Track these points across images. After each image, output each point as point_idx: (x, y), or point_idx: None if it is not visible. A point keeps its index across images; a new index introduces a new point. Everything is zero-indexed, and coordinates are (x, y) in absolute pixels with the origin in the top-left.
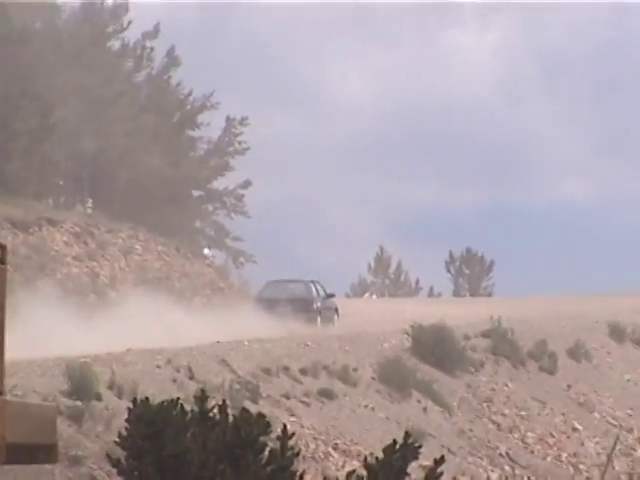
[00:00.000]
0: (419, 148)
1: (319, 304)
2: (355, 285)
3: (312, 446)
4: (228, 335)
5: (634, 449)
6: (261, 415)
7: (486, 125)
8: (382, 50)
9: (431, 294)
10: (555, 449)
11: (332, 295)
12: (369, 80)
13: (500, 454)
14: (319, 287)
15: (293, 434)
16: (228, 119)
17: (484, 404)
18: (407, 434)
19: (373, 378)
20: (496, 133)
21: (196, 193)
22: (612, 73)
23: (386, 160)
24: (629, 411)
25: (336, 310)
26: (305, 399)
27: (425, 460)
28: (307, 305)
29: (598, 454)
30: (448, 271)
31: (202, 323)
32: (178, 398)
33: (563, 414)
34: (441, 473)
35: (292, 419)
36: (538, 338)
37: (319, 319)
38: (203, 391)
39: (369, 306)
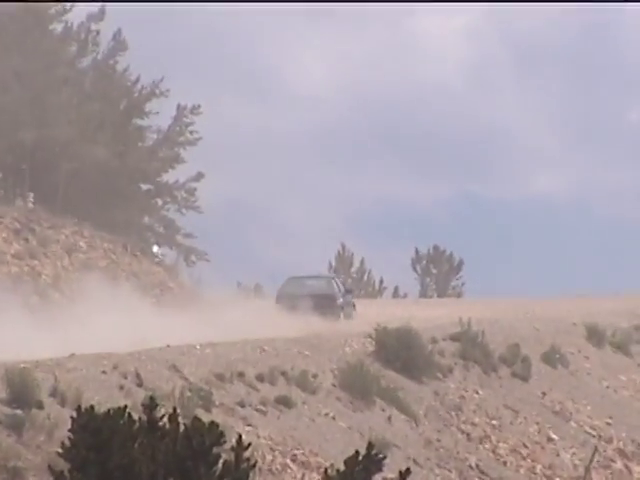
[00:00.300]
0: (384, 140)
1: (341, 300)
2: None
3: (269, 457)
4: (186, 338)
5: (613, 461)
6: (214, 424)
7: (456, 115)
8: (345, 36)
9: (396, 294)
10: (529, 461)
11: (351, 291)
12: (331, 68)
13: (470, 466)
14: (339, 282)
15: (249, 445)
16: (179, 107)
17: (453, 413)
18: (370, 445)
19: (334, 385)
20: (467, 124)
21: (144, 187)
22: (590, 62)
23: (349, 152)
24: (608, 420)
25: (354, 306)
26: (261, 407)
27: (390, 472)
28: (331, 301)
29: (575, 466)
30: (414, 270)
31: (153, 325)
32: (125, 406)
33: (537, 423)
34: None
35: (247, 429)
36: (511, 342)
37: (342, 315)
38: (152, 399)
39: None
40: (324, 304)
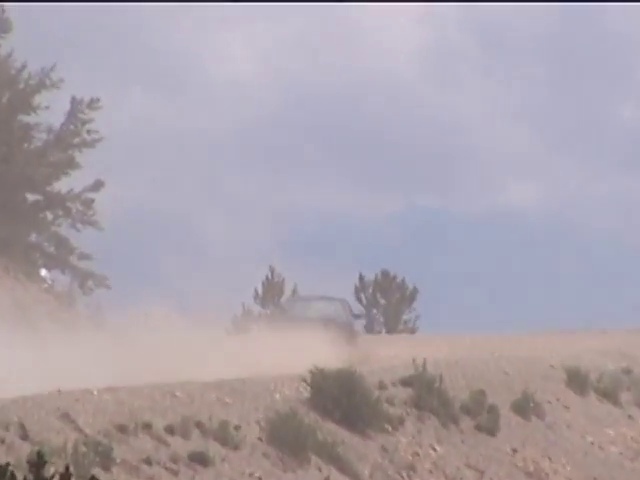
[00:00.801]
0: (323, 141)
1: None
2: (238, 318)
3: None
4: (81, 380)
5: None
6: None
7: (408, 113)
8: (275, 19)
9: None
10: None
11: (359, 316)
12: (261, 55)
13: None
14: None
15: None
16: (74, 101)
17: (404, 473)
18: None
19: (260, 439)
20: (420, 123)
21: (31, 197)
22: (573, 54)
23: (278, 157)
24: None
25: (358, 332)
26: (172, 465)
27: None
28: (346, 326)
29: None
30: (358, 300)
31: (40, 364)
32: (8, 464)
33: None
34: None
35: None
36: (475, 387)
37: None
38: (40, 454)
39: (256, 345)
40: (338, 329)
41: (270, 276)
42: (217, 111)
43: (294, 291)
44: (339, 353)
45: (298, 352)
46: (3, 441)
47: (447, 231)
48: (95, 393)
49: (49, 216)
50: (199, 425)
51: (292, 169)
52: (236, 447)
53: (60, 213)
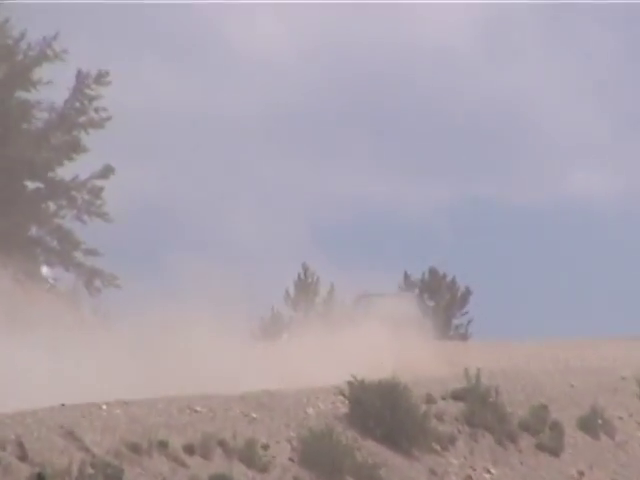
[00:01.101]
0: (363, 124)
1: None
2: (267, 322)
3: None
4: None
5: None
6: None
7: (460, 92)
8: None
9: None
10: None
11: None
12: (291, 30)
13: None
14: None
15: None
16: (79, 75)
17: None
18: None
19: (291, 460)
20: (474, 103)
21: (31, 185)
22: None
23: (314, 141)
24: None
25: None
26: None
27: None
28: (418, 324)
29: None
30: None
31: (41, 374)
32: None
33: None
34: None
35: None
36: (536, 402)
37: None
38: (41, 477)
39: (287, 351)
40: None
41: (303, 275)
42: (244, 91)
43: (330, 292)
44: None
45: (351, 358)
46: None
47: (503, 224)
48: (104, 407)
49: (51, 206)
50: (222, 444)
51: (328, 155)
52: (264, 469)
53: (64, 203)
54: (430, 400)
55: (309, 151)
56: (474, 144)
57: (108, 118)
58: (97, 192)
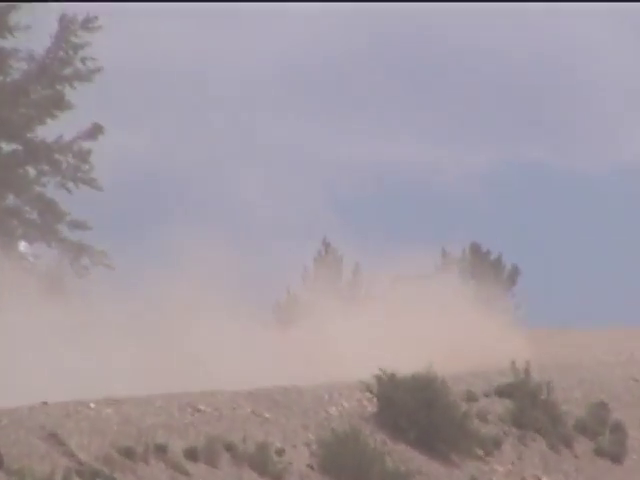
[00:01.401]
0: (389, 78)
1: None
2: (281, 306)
3: None
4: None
5: None
6: None
7: (504, 40)
8: None
9: None
10: None
11: None
12: None
13: None
14: None
15: None
16: (63, 19)
17: None
18: None
19: (310, 467)
20: (521, 53)
21: (7, 147)
22: None
23: (335, 99)
24: None
25: None
26: None
27: None
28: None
29: None
30: None
31: (19, 367)
32: None
33: None
34: None
35: None
36: (594, 399)
37: None
38: None
39: (303, 338)
40: None
41: (323, 252)
42: (256, 41)
43: (355, 272)
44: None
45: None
46: None
47: (558, 195)
48: (92, 406)
49: (31, 172)
50: (230, 448)
51: (353, 114)
52: (278, 477)
53: (46, 168)
54: (471, 397)
55: (330, 112)
56: (523, 102)
57: (97, 70)
58: (84, 155)
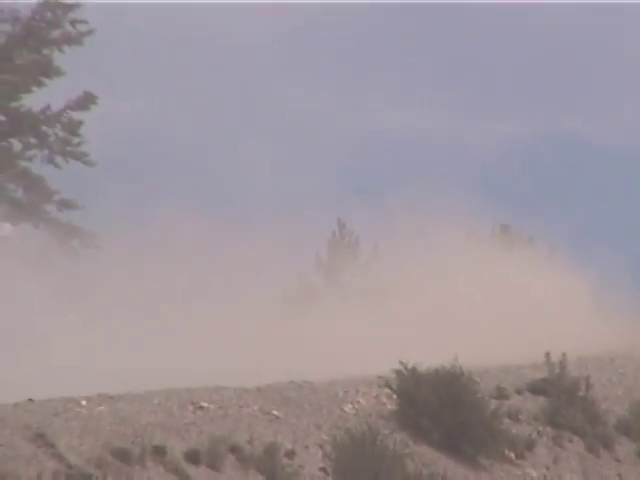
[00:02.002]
0: (412, 41)
1: None
2: (290, 292)
3: None
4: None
5: None
6: None
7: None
8: None
9: None
10: None
11: None
12: None
13: None
14: None
15: None
16: None
17: None
18: None
19: (324, 470)
20: (556, 16)
21: None
22: None
23: (352, 63)
24: None
25: None
26: None
27: None
28: None
29: None
30: None
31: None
32: None
33: None
34: None
35: None
36: (638, 394)
37: None
38: None
39: (319, 329)
40: None
41: (338, 232)
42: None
43: (373, 254)
44: None
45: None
46: None
47: (595, 169)
48: (83, 403)
49: (15, 145)
50: (235, 450)
51: (371, 81)
52: None
53: (32, 141)
54: (502, 394)
55: (345, 76)
56: (557, 70)
57: (89, 33)
58: (74, 127)
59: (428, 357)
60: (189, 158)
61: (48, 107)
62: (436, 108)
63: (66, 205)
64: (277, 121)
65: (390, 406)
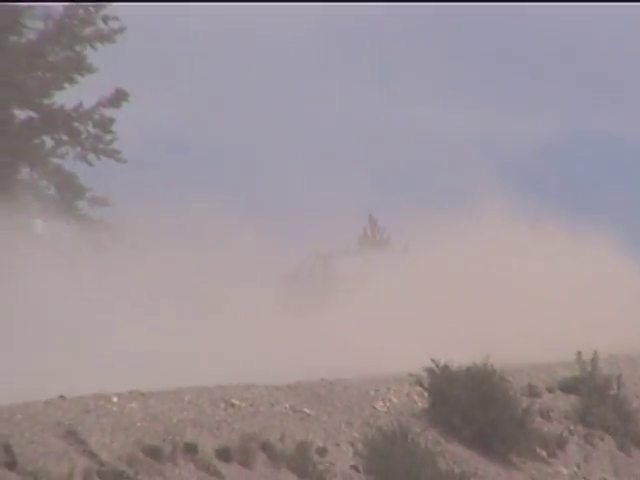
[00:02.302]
0: (446, 42)
1: None
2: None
3: None
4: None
5: None
6: None
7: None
8: None
9: None
10: None
11: None
12: None
13: None
14: None
15: None
16: None
17: None
18: None
19: (355, 468)
20: (590, 14)
21: (21, 114)
22: None
23: (385, 62)
24: None
25: None
26: None
27: None
28: None
29: None
30: None
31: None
32: None
33: None
34: None
35: None
36: None
37: None
38: None
39: (355, 324)
40: None
41: (370, 228)
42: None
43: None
44: None
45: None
46: None
47: (627, 168)
48: (115, 400)
49: (48, 142)
50: (266, 447)
51: (403, 79)
52: (320, 479)
53: (64, 138)
54: (533, 392)
55: (378, 73)
56: (590, 67)
57: (121, 30)
58: (106, 124)
59: (468, 352)
60: (221, 154)
61: (80, 104)
62: (460, 106)
63: (98, 202)
64: (308, 119)
65: (421, 404)
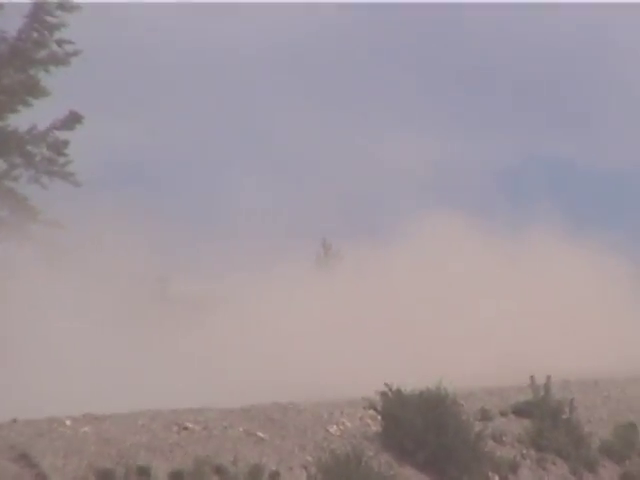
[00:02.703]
0: (406, 70)
1: None
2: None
3: None
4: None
5: None
6: None
7: (513, 33)
8: None
9: None
10: None
11: None
12: None
13: None
14: None
15: None
16: None
17: None
18: None
19: None
20: (544, 45)
21: None
22: None
23: (341, 87)
24: None
25: None
26: None
27: None
28: None
29: None
30: None
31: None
32: None
33: None
34: None
35: None
36: (622, 419)
37: None
38: None
39: (306, 349)
40: None
41: (323, 251)
42: (255, 20)
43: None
44: None
45: None
46: None
47: (583, 194)
48: (68, 423)
49: (1, 165)
50: (220, 471)
51: (366, 106)
52: None
53: (17, 161)
54: (486, 416)
55: (332, 99)
56: (545, 96)
57: (75, 53)
58: (60, 147)
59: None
60: (176, 176)
61: (34, 127)
62: (422, 131)
63: (52, 225)
64: (269, 142)
65: (375, 428)
